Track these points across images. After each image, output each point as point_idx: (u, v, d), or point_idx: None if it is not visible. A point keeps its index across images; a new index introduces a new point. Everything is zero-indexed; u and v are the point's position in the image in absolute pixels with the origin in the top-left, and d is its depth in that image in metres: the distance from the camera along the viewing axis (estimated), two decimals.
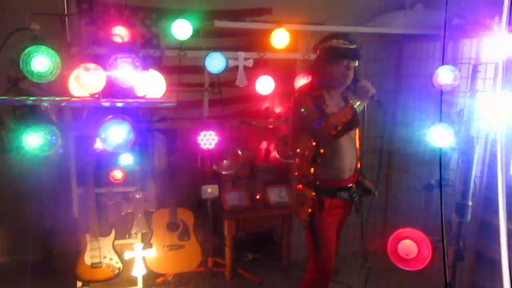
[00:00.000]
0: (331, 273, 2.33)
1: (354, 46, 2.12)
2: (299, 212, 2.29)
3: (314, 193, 2.20)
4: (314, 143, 2.17)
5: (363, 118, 2.12)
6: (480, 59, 2.42)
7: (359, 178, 2.37)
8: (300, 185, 2.30)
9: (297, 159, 2.35)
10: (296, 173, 2.36)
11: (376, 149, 3.59)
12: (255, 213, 3.26)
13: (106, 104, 2.02)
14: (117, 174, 2.79)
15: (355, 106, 2.04)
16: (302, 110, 2.15)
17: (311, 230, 2.24)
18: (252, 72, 2.94)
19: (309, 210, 2.21)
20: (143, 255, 2.90)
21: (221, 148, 2.93)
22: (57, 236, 3.13)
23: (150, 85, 2.39)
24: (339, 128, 2.02)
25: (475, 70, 2.42)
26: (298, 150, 2.28)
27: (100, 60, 2.02)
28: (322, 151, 2.16)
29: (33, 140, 1.92)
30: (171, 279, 3.18)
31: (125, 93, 2.23)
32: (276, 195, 3.32)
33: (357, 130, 2.26)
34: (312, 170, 2.19)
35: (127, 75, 1.97)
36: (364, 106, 2.11)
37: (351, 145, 2.25)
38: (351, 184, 2.30)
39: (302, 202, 2.26)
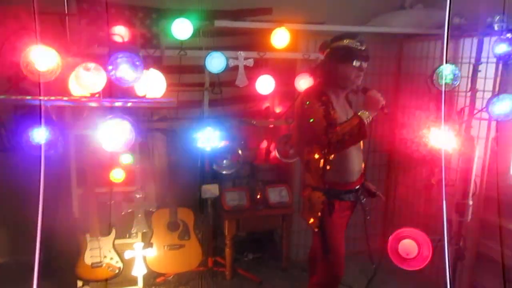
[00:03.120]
0: (340, 278, 2.28)
1: (365, 47, 2.10)
2: (308, 217, 2.24)
3: (323, 197, 2.17)
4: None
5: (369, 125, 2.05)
6: (480, 59, 2.42)
7: (364, 181, 2.35)
8: (309, 189, 2.25)
9: (304, 163, 2.30)
10: (303, 177, 2.33)
11: (377, 149, 3.63)
12: (255, 213, 3.26)
13: (106, 104, 2.02)
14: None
15: (364, 118, 2.00)
16: (311, 120, 2.08)
17: (321, 234, 2.19)
18: (252, 71, 2.94)
19: (319, 214, 2.18)
20: (143, 254, 2.90)
21: (221, 148, 2.93)
22: (57, 236, 3.13)
23: (150, 84, 2.39)
24: (346, 141, 1.99)
25: (475, 70, 2.41)
26: (305, 154, 2.24)
27: (100, 60, 2.02)
28: (331, 155, 2.12)
29: (33, 140, 1.92)
30: (172, 279, 3.18)
31: (125, 93, 2.23)
32: (276, 195, 3.31)
33: None
34: (321, 173, 2.16)
35: (127, 74, 1.97)
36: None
37: (358, 148, 2.25)
38: (358, 186, 2.28)
39: (310, 206, 2.22)
